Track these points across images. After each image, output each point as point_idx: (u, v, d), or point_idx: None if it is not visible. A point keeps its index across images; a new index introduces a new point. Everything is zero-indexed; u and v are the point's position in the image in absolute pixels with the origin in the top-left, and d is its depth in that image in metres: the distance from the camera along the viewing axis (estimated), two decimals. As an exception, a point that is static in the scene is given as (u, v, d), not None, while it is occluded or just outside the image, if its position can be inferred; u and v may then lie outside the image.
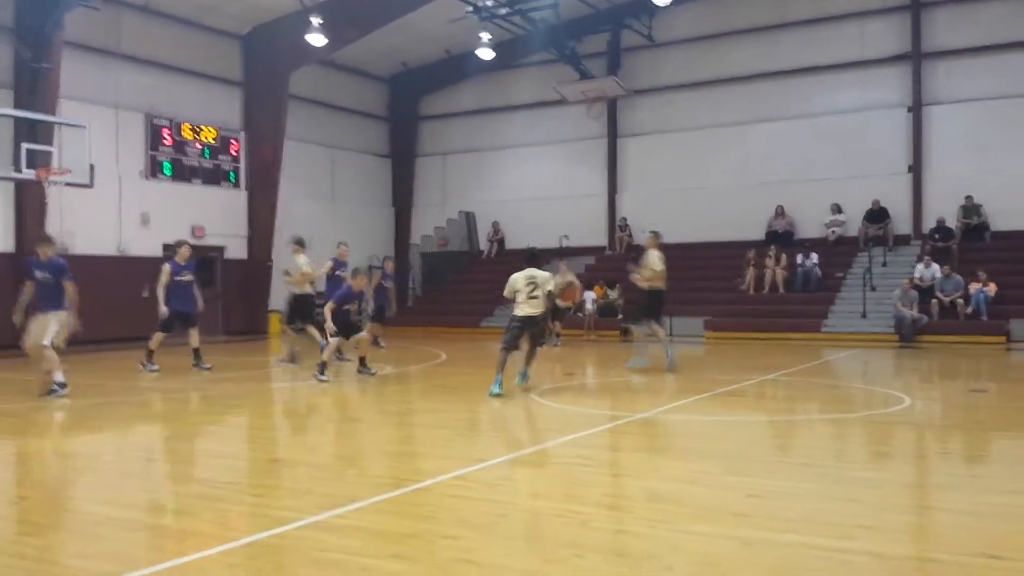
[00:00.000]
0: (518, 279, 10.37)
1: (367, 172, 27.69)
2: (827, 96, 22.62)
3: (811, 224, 22.55)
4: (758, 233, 22.73)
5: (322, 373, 11.49)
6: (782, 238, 22.23)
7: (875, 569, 3.88)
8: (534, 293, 10.25)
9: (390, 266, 17.76)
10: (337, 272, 14.42)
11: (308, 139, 24.98)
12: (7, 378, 12.62)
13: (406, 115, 28.31)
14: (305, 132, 24.68)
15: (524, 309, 10.29)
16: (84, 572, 3.96)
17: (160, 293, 12.98)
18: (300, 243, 14.31)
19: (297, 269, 13.88)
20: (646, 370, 12.85)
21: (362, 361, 12.31)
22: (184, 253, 13.34)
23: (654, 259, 12.89)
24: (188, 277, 13.30)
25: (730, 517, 4.74)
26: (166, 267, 13.17)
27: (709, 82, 23.90)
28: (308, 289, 14.02)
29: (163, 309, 12.95)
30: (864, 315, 19.02)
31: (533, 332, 10.44)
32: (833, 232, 22.08)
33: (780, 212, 22.71)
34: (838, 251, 21.62)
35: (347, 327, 11.87)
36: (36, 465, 6.94)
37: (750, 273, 21.29)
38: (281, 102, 22.67)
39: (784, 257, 21.15)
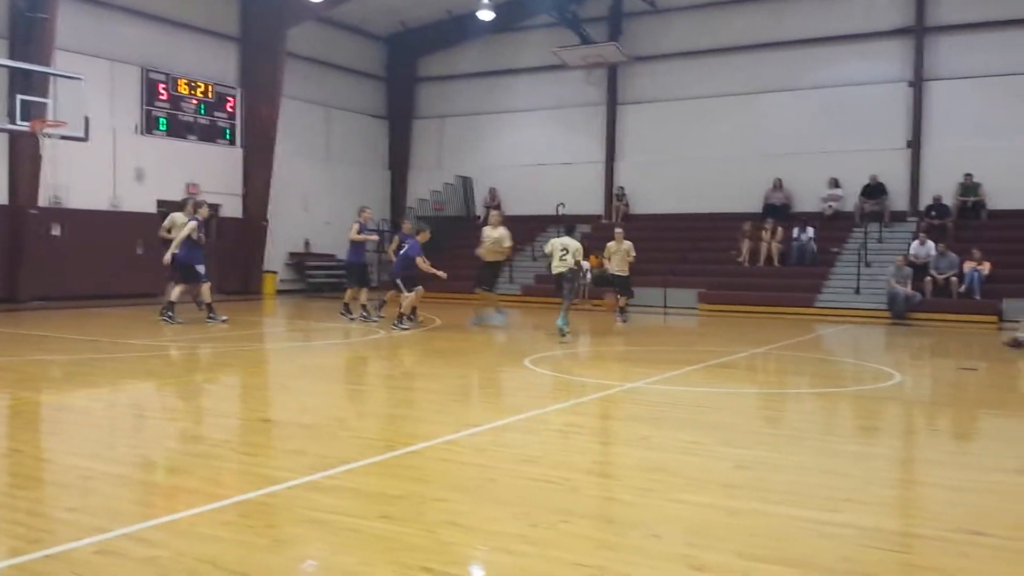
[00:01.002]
0: (555, 244, 13.47)
1: (363, 133, 27.51)
2: (828, 68, 22.48)
3: (808, 198, 22.51)
4: (755, 205, 22.70)
5: (401, 322, 13.78)
6: (779, 211, 22.20)
7: (859, 542, 3.92)
8: (564, 257, 13.26)
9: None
10: (362, 235, 15.08)
11: (304, 98, 24.79)
12: (20, 333, 12.61)
13: (404, 76, 28.06)
14: (301, 90, 24.49)
15: (555, 268, 13.39)
16: (75, 526, 3.98)
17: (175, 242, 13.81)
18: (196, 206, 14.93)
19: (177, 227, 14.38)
20: (507, 327, 14.75)
21: (414, 313, 14.28)
22: (204, 212, 14.32)
23: (498, 234, 14.74)
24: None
25: (718, 487, 4.78)
26: (193, 223, 13.80)
27: (711, 51, 23.72)
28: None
29: (167, 257, 13.82)
30: (857, 291, 19.06)
31: (564, 285, 13.37)
32: (830, 207, 22.06)
33: (778, 185, 22.67)
34: (834, 226, 21.60)
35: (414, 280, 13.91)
36: (29, 419, 6.95)
37: (746, 246, 21.29)
38: (279, 59, 22.46)
39: (780, 230, 21.14)
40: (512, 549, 3.72)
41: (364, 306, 15.14)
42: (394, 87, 28.21)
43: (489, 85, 26.88)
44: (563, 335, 12.63)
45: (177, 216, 14.60)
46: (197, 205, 14.44)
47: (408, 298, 13.87)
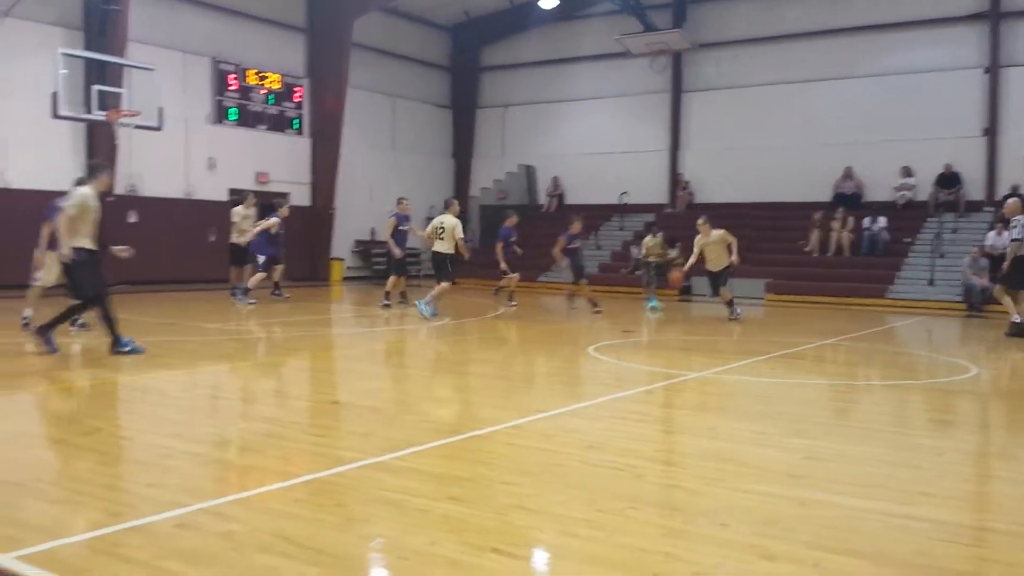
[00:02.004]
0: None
1: (428, 122, 27.69)
2: (900, 54, 21.88)
3: (880, 187, 21.98)
4: (824, 194, 22.25)
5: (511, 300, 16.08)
6: (849, 200, 21.73)
7: (932, 535, 3.84)
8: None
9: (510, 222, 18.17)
10: (400, 227, 15.21)
11: (370, 88, 25.03)
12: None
13: (468, 65, 28.15)
14: (367, 80, 24.72)
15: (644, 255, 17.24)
16: (154, 501, 4.12)
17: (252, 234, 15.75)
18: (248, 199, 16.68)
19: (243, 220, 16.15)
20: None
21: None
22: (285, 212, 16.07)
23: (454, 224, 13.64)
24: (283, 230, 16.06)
25: (787, 478, 4.72)
26: (275, 220, 15.69)
27: (778, 37, 23.28)
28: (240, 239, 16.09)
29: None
30: (931, 282, 18.57)
31: (649, 270, 16.89)
32: (902, 196, 21.52)
33: (848, 174, 22.18)
34: (907, 215, 21.07)
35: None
36: (110, 398, 7.20)
37: (815, 235, 20.90)
38: (344, 49, 22.71)
39: (851, 220, 20.70)
40: (579, 533, 3.74)
41: (388, 293, 15.16)
42: (458, 76, 28.33)
43: (552, 73, 26.81)
44: (653, 312, 15.77)
45: (237, 209, 16.35)
46: (278, 205, 16.14)
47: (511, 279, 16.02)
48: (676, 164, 25.11)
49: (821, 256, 20.76)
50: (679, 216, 24.21)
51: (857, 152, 22.16)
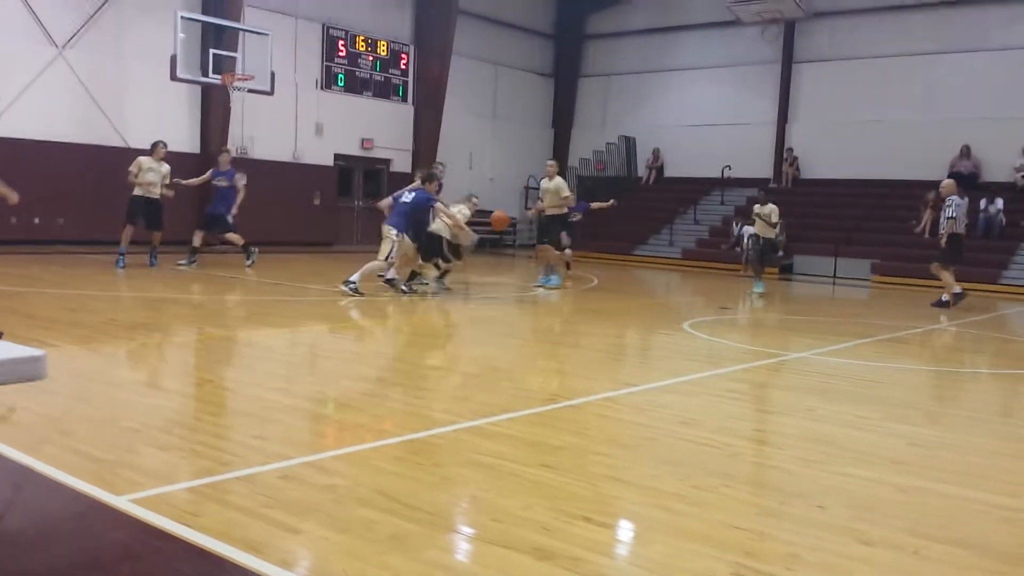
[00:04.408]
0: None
1: (529, 91, 27.60)
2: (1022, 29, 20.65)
3: (998, 167, 20.92)
4: (939, 173, 21.23)
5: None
6: (966, 180, 20.72)
7: (1043, 531, 3.70)
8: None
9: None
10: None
11: (473, 55, 25.07)
12: (211, 274, 13.55)
13: (572, 33, 27.87)
14: (470, 48, 24.76)
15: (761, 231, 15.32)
16: (261, 452, 4.29)
17: None
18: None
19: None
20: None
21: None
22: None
23: (554, 185, 13.54)
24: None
25: (888, 463, 4.61)
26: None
27: (897, 7, 22.26)
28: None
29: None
30: (1050, 268, 17.65)
31: (760, 249, 15.64)
32: (1023, 177, 20.43)
33: (965, 152, 21.17)
34: (1027, 198, 20.02)
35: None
36: (219, 353, 7.50)
37: (926, 215, 20.05)
38: (450, 17, 22.80)
39: (966, 201, 19.75)
40: (671, 507, 3.74)
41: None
42: (562, 45, 28.09)
43: (658, 42, 26.31)
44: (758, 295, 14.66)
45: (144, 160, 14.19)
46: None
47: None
48: (783, 138, 24.41)
49: (932, 237, 19.88)
50: (784, 192, 23.62)
51: (976, 130, 21.11)
